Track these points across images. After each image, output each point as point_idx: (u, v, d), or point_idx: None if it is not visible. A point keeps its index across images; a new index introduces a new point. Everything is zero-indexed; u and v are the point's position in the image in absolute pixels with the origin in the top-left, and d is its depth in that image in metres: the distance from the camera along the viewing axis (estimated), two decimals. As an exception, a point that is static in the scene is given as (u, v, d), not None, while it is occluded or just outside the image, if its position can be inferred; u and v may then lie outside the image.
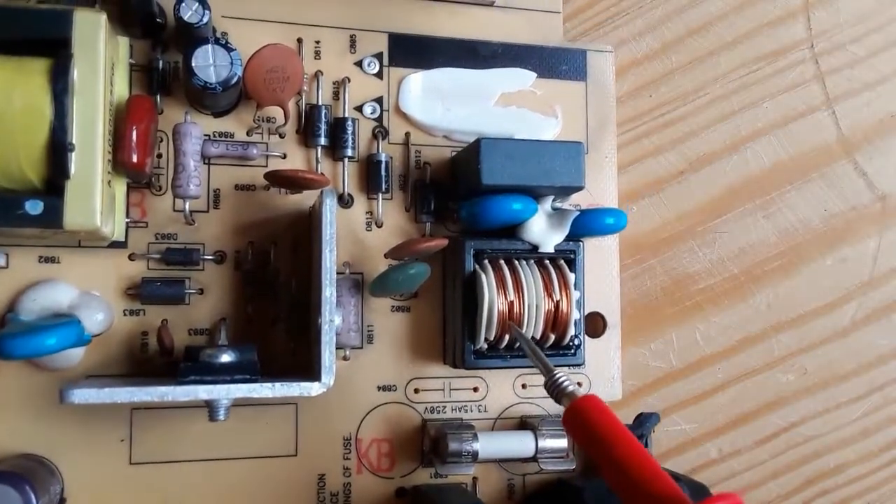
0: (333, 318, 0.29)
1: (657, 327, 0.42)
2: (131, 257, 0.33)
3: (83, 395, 0.28)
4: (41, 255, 0.32)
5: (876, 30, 0.46)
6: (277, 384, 0.29)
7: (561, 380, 0.29)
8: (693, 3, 0.44)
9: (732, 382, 0.43)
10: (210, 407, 0.29)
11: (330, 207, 0.30)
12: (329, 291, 0.30)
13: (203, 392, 0.29)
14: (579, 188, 0.34)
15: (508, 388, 0.37)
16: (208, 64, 0.32)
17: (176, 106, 0.34)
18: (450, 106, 0.37)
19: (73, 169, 0.28)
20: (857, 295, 0.45)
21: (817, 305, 0.44)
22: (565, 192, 0.35)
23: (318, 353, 0.30)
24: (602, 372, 0.39)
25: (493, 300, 0.33)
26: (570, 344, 0.35)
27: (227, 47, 0.32)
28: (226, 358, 0.30)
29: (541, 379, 0.36)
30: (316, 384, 0.29)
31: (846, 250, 0.45)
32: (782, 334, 0.44)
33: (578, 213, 0.35)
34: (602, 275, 0.39)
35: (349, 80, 0.36)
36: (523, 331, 0.33)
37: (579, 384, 0.38)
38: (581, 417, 0.28)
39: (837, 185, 0.45)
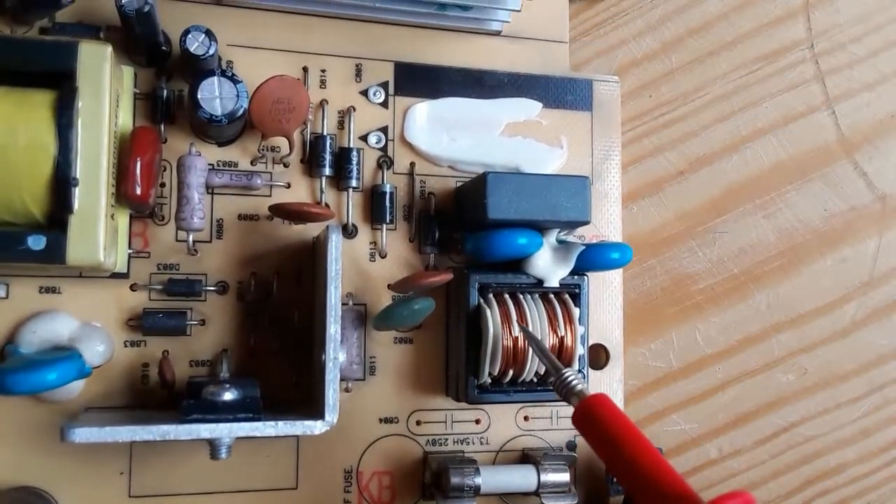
0: (338, 355, 0.29)
1: (657, 327, 0.42)
2: (133, 288, 0.33)
3: (85, 434, 0.28)
4: (42, 285, 0.32)
5: (876, 30, 0.46)
6: (280, 423, 0.29)
7: (570, 378, 0.29)
8: (693, 3, 0.43)
9: (732, 382, 0.43)
10: (212, 446, 0.29)
11: (335, 244, 0.30)
12: (334, 329, 0.29)
13: (205, 431, 0.28)
14: (585, 223, 0.34)
15: (510, 421, 0.37)
16: (214, 96, 0.31)
17: (180, 135, 0.34)
18: (455, 136, 0.37)
19: (76, 203, 0.28)
20: (857, 295, 0.45)
21: (817, 305, 0.44)
22: (571, 226, 0.35)
23: (322, 390, 0.29)
24: None
25: (498, 335, 0.32)
26: None
27: (233, 79, 0.32)
28: (228, 396, 0.29)
29: (543, 410, 0.37)
30: (319, 423, 0.29)
31: (846, 250, 0.45)
32: (782, 334, 0.44)
33: (584, 247, 0.34)
34: (605, 307, 0.39)
35: (354, 110, 0.36)
36: (527, 365, 0.33)
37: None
38: (591, 416, 0.28)
39: (837, 185, 0.45)
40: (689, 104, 0.43)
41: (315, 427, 0.29)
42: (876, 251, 0.45)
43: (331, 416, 0.29)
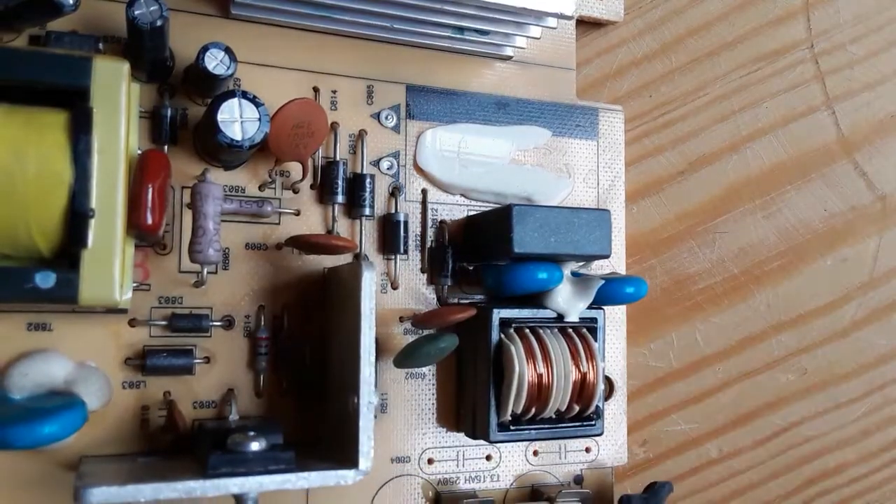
0: (372, 399, 0.28)
1: (657, 327, 0.42)
2: (132, 323, 0.31)
3: (104, 495, 0.25)
4: (30, 321, 0.29)
5: (876, 30, 0.46)
6: (313, 475, 0.27)
7: None
8: (693, 3, 0.43)
9: (732, 382, 0.43)
10: (238, 500, 0.27)
11: (369, 281, 0.28)
12: (368, 371, 0.28)
13: (234, 486, 0.27)
14: (605, 257, 0.33)
15: (520, 456, 0.37)
16: (234, 119, 0.29)
17: (182, 156, 0.31)
18: (466, 163, 0.36)
19: (91, 237, 0.26)
20: (857, 295, 0.45)
21: (817, 305, 0.44)
22: (591, 259, 0.34)
23: (355, 436, 0.28)
24: (611, 435, 0.38)
25: (524, 372, 0.32)
26: (591, 415, 0.34)
27: (255, 101, 0.29)
28: (256, 445, 0.28)
29: (551, 445, 0.37)
30: (352, 472, 0.28)
31: (846, 250, 0.45)
32: (782, 334, 0.44)
33: (603, 281, 0.34)
34: (610, 338, 0.39)
35: (366, 133, 0.34)
36: (550, 402, 0.32)
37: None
38: None
39: (837, 185, 0.45)
40: (689, 104, 0.43)
41: (348, 476, 0.28)
42: (876, 251, 0.45)
43: (365, 463, 0.28)
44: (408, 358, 0.31)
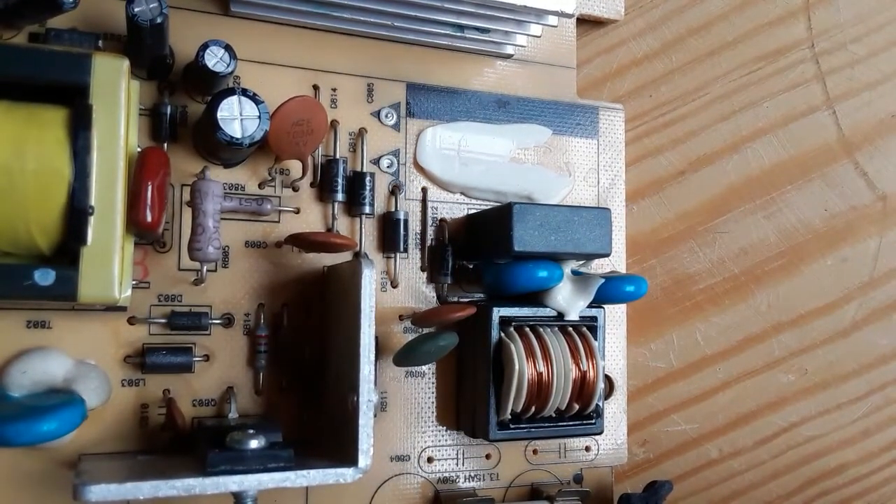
0: (371, 397, 0.28)
1: (657, 327, 0.42)
2: (131, 321, 0.31)
3: (102, 492, 0.25)
4: (29, 319, 0.29)
5: (876, 29, 0.46)
6: (312, 472, 0.27)
7: None
8: (693, 3, 0.43)
9: (733, 382, 0.43)
10: (237, 498, 0.28)
11: (369, 279, 0.28)
12: (368, 369, 0.28)
13: (234, 484, 0.27)
14: (605, 255, 0.33)
15: (520, 455, 0.37)
16: (234, 117, 0.29)
17: (182, 154, 0.31)
18: (467, 161, 0.36)
19: (90, 235, 0.26)
20: (858, 295, 0.45)
21: (818, 305, 0.44)
22: (591, 258, 0.34)
23: (354, 434, 0.28)
24: (610, 435, 0.38)
25: (524, 371, 0.32)
26: (591, 414, 0.34)
27: (255, 99, 0.29)
28: (255, 443, 0.28)
29: (551, 444, 0.37)
30: (352, 470, 0.28)
31: (847, 250, 0.45)
32: (783, 334, 0.44)
33: (603, 280, 0.34)
34: (610, 337, 0.39)
35: (366, 132, 0.34)
36: (549, 401, 0.32)
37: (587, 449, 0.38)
38: None
39: (838, 185, 0.45)
40: (689, 104, 0.43)
41: (348, 475, 0.28)
42: (876, 251, 0.45)
43: (364, 461, 0.28)
44: (408, 356, 0.32)
